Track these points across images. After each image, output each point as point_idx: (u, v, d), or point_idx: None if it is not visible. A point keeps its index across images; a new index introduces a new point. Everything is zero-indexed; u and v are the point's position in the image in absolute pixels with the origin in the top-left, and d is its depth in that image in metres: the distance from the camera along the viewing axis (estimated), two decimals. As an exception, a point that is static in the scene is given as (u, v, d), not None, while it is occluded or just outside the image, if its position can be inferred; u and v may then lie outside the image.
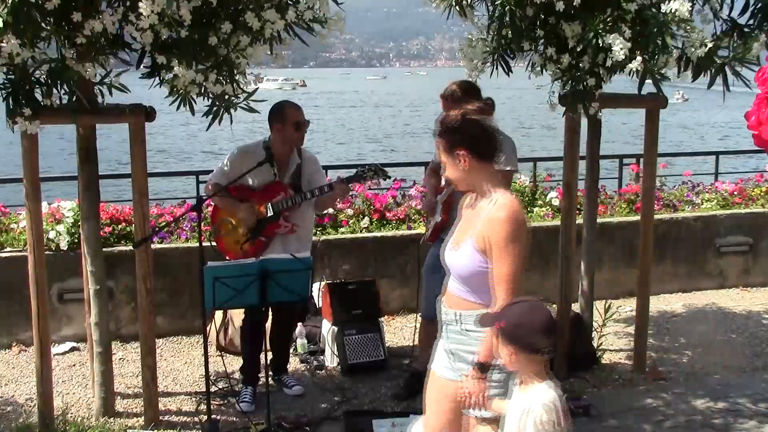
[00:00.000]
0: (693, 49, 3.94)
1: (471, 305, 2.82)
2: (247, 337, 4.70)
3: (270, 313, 4.80)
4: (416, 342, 5.00)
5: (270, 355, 4.77)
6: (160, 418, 4.34)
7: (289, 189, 4.52)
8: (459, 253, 2.84)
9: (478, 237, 2.75)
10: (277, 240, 4.54)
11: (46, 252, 4.85)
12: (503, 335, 2.54)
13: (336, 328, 5.18)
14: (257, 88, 3.94)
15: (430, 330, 4.73)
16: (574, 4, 3.85)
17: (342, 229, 6.35)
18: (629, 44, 3.74)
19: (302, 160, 4.60)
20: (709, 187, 7.65)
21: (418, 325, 4.83)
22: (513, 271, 2.71)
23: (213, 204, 4.75)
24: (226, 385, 4.79)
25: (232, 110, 3.96)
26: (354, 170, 4.58)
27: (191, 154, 29.85)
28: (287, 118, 4.44)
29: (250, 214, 4.49)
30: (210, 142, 29.67)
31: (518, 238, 2.71)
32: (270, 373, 4.83)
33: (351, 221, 6.40)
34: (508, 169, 4.46)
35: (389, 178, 4.84)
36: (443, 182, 4.69)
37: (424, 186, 5.07)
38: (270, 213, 4.49)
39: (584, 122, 4.68)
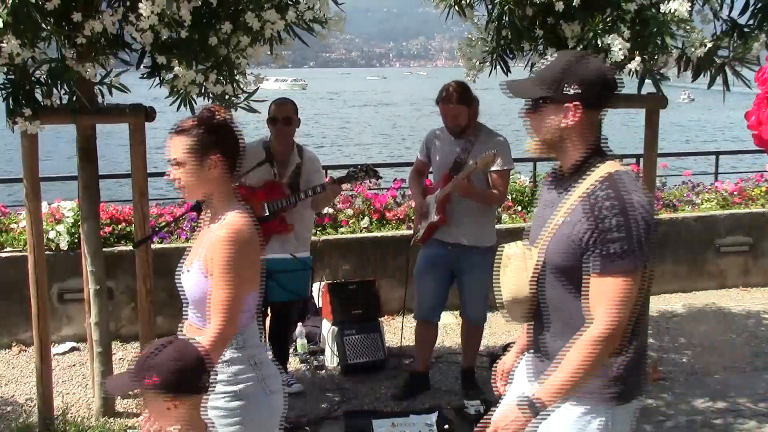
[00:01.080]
0: (693, 49, 3.94)
1: (203, 333, 2.53)
2: None
3: (269, 312, 4.81)
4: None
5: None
6: (160, 418, 4.34)
7: (286, 189, 4.54)
8: (188, 276, 2.58)
9: (204, 259, 2.47)
10: (275, 239, 4.55)
11: (46, 252, 4.85)
12: (161, 390, 2.11)
13: (336, 328, 5.18)
14: (257, 88, 3.95)
15: (425, 331, 4.75)
16: (574, 4, 3.85)
17: (342, 229, 6.35)
18: (628, 44, 3.74)
19: (302, 160, 4.62)
20: (709, 187, 7.65)
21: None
22: (229, 297, 2.41)
23: None
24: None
25: (232, 110, 3.97)
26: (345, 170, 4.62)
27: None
28: (270, 114, 4.51)
29: None
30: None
31: (240, 261, 2.41)
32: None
33: (351, 221, 6.40)
34: (506, 168, 4.47)
35: (381, 178, 4.87)
36: (432, 182, 4.70)
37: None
38: (266, 213, 4.52)
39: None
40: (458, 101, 4.40)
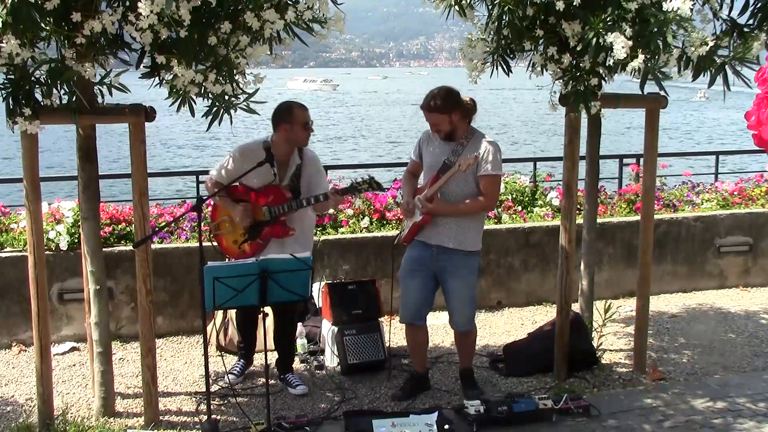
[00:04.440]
0: (693, 49, 3.94)
1: None
2: (242, 321, 4.98)
3: (271, 313, 4.84)
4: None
5: (272, 355, 4.78)
6: (160, 418, 4.34)
7: (287, 192, 4.54)
8: None
9: None
10: (275, 242, 4.57)
11: (46, 252, 4.86)
12: None
13: (336, 328, 5.18)
14: (258, 89, 3.95)
15: (413, 333, 4.74)
16: (574, 3, 3.85)
17: (342, 229, 6.35)
18: (630, 42, 3.73)
19: (303, 161, 4.61)
20: (709, 187, 7.65)
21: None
22: None
23: (213, 203, 4.80)
24: (226, 385, 4.79)
25: (232, 110, 3.97)
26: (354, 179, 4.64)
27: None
28: (296, 119, 4.47)
29: (245, 215, 4.53)
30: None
31: None
32: (273, 372, 4.85)
33: (351, 221, 6.40)
34: (494, 173, 4.45)
35: (385, 190, 4.88)
36: (421, 183, 4.70)
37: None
38: (267, 217, 4.52)
39: (584, 122, 4.68)
40: (437, 109, 4.38)
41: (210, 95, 3.87)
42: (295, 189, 4.59)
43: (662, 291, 6.87)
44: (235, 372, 4.91)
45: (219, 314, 5.40)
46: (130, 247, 5.55)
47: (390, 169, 11.61)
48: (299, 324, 5.46)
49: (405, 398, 4.67)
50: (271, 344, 4.96)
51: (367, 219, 6.43)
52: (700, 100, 54.81)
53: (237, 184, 4.52)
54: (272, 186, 4.52)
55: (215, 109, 3.94)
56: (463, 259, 4.48)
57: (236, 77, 3.82)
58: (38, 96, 3.72)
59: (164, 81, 3.76)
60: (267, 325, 4.73)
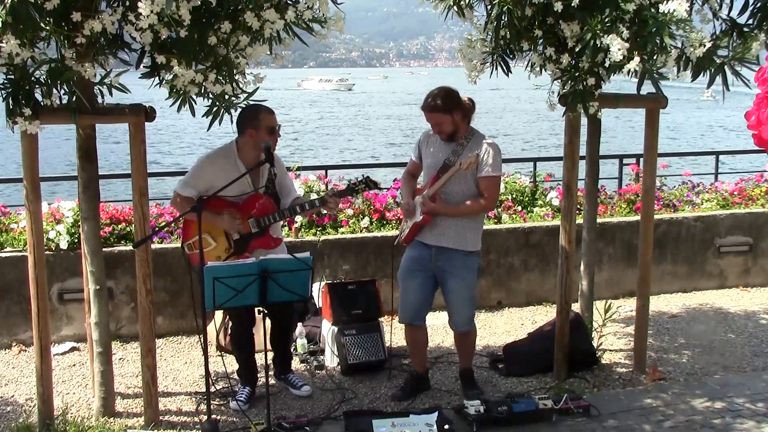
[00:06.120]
0: (692, 49, 3.94)
1: None
2: (238, 345, 4.70)
3: (265, 315, 4.81)
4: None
5: (271, 355, 4.78)
6: (160, 418, 4.35)
7: (269, 200, 4.41)
8: None
9: None
10: (261, 253, 4.30)
11: (46, 252, 4.86)
12: None
13: (336, 328, 5.18)
14: (257, 88, 3.95)
15: (412, 334, 4.73)
16: (572, 4, 3.85)
17: (342, 229, 6.35)
18: (627, 44, 3.73)
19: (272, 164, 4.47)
20: (709, 187, 7.65)
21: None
22: None
23: (184, 220, 4.44)
24: (226, 385, 4.79)
25: (232, 110, 3.97)
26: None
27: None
28: (261, 123, 4.28)
29: (233, 223, 4.32)
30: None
31: None
32: (272, 373, 4.85)
33: (351, 221, 6.41)
34: (494, 174, 4.45)
35: (382, 189, 4.79)
36: (421, 183, 4.70)
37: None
38: (255, 229, 4.38)
39: (584, 121, 4.68)
40: (438, 110, 4.37)
41: (210, 95, 3.87)
42: (273, 194, 4.45)
43: (662, 291, 6.87)
44: (241, 399, 4.56)
45: (219, 314, 5.41)
46: (130, 247, 5.55)
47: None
48: (299, 324, 5.46)
49: (405, 398, 4.67)
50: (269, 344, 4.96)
51: (367, 219, 6.43)
52: (707, 100, 54.90)
53: (211, 198, 4.10)
54: (254, 196, 4.36)
55: (215, 108, 3.94)
56: (463, 259, 4.48)
57: (236, 77, 3.83)
58: (38, 96, 3.72)
59: (164, 81, 3.77)
60: (266, 325, 4.73)
